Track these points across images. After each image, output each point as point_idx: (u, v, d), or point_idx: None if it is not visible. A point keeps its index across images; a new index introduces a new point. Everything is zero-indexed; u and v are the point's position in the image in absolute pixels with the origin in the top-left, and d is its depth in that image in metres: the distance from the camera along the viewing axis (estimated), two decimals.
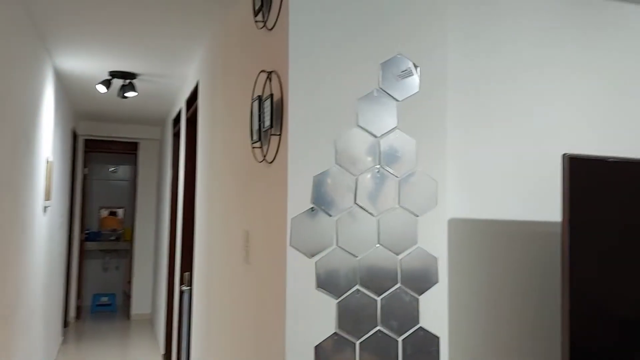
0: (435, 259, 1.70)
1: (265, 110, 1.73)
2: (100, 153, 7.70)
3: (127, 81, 3.97)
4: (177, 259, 4.25)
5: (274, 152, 1.70)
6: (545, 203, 1.86)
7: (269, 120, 1.69)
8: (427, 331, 1.69)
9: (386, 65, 1.69)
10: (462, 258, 1.84)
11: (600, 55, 2.09)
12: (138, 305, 7.00)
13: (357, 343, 1.63)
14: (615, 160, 1.81)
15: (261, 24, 1.87)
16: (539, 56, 2.00)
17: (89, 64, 3.75)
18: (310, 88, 1.62)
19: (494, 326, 1.87)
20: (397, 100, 1.69)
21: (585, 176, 1.74)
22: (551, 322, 1.87)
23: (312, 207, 1.60)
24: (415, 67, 1.71)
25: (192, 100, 4.02)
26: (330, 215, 1.62)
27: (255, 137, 1.86)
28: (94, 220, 8.02)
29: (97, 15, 2.82)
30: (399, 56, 1.70)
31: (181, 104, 4.48)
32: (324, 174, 1.62)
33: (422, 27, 1.72)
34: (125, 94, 4.01)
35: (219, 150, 2.64)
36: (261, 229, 1.85)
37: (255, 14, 1.89)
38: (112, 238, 7.99)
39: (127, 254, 8.03)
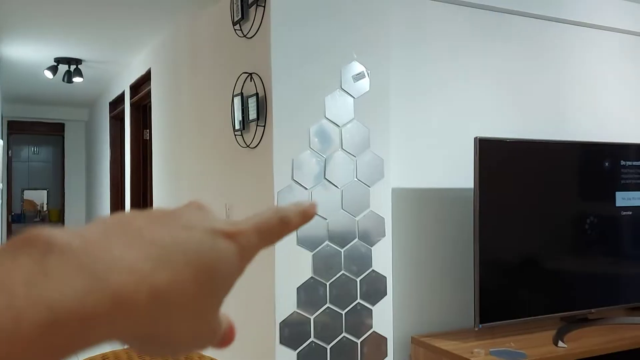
0: (383, 219, 2.23)
1: (251, 105, 2.16)
2: (25, 135, 7.58)
3: (74, 67, 4.15)
4: None
5: (258, 139, 2.14)
6: (463, 173, 2.44)
7: (255, 114, 2.12)
8: (378, 273, 2.22)
9: (345, 70, 2.17)
10: (402, 218, 2.39)
11: (498, 59, 2.70)
12: None
13: (328, 284, 2.13)
14: (511, 140, 2.42)
15: (240, 33, 2.27)
16: (456, 63, 2.56)
17: (30, 51, 3.89)
18: (289, 87, 2.07)
19: (425, 268, 2.45)
20: (353, 97, 2.18)
21: (490, 153, 2.33)
22: (467, 263, 2.47)
23: (292, 183, 2.06)
24: (367, 71, 2.20)
25: (138, 86, 4.27)
26: (306, 188, 2.09)
27: (238, 127, 2.28)
28: (17, 202, 7.90)
29: (44, 3, 2.98)
30: (354, 63, 2.18)
31: (123, 88, 4.69)
32: (300, 156, 2.08)
33: (372, 41, 2.21)
34: (72, 79, 4.19)
35: (188, 134, 3.00)
36: (245, 201, 2.28)
37: (234, 24, 2.29)
38: (37, 219, 7.93)
39: None
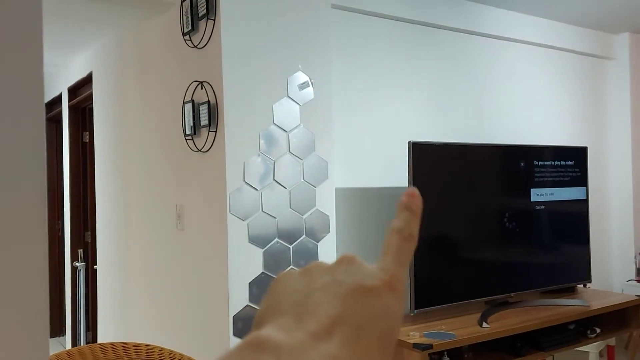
0: (328, 217, 2.42)
1: (202, 112, 2.29)
2: None
3: None
4: (67, 238, 4.49)
5: (210, 143, 2.28)
6: (398, 173, 2.68)
7: (207, 120, 2.25)
8: None
9: (291, 79, 2.34)
10: (345, 215, 2.59)
11: (427, 70, 2.96)
12: None
13: None
14: (440, 144, 2.68)
15: (191, 44, 2.39)
16: (391, 72, 2.80)
17: None
18: (239, 95, 2.22)
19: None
20: (299, 104, 2.36)
21: (422, 155, 2.57)
22: None
23: (243, 184, 2.22)
24: (311, 80, 2.39)
25: (78, 88, 4.26)
26: (256, 189, 2.25)
27: (188, 132, 2.40)
28: None
29: None
30: (299, 73, 2.36)
31: (59, 90, 4.64)
32: (251, 160, 2.24)
33: (315, 52, 2.39)
34: None
35: (135, 138, 3.08)
36: (197, 202, 2.41)
37: (184, 35, 2.41)
38: None
39: None
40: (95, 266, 3.87)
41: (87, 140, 4.34)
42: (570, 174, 3.15)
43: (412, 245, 0.33)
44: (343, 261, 0.33)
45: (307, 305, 0.30)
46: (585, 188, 3.19)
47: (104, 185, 3.63)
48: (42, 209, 0.60)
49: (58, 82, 4.71)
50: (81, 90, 4.20)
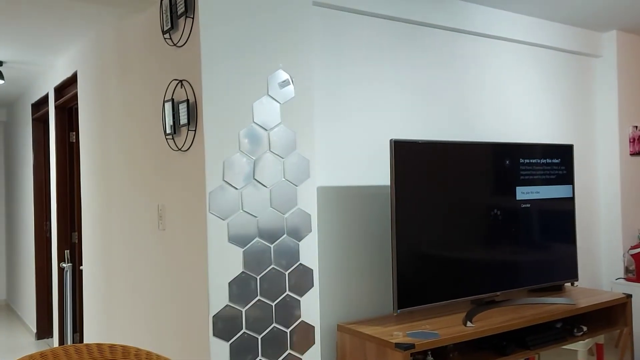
0: (309, 216, 2.40)
1: (181, 110, 2.26)
2: None
3: None
4: (54, 239, 4.46)
5: (190, 142, 2.25)
6: (381, 171, 2.66)
7: (186, 119, 2.23)
8: (305, 266, 2.39)
9: (271, 77, 2.32)
10: (327, 214, 2.57)
11: (410, 67, 2.94)
12: None
13: (258, 277, 2.27)
14: (423, 142, 2.66)
15: (170, 42, 2.37)
16: (373, 70, 2.78)
17: None
18: (219, 94, 2.19)
19: (349, 260, 2.65)
20: (280, 103, 2.34)
21: (405, 153, 2.55)
22: (386, 255, 2.70)
23: (223, 183, 2.19)
24: (292, 78, 2.36)
25: (64, 88, 4.22)
26: (236, 189, 2.23)
27: (169, 131, 2.37)
28: None
29: None
30: (280, 71, 2.34)
31: (46, 90, 4.61)
32: (231, 159, 2.21)
33: (296, 49, 2.37)
34: None
35: (118, 138, 3.05)
36: (178, 202, 2.38)
37: (164, 33, 2.39)
38: None
39: None
40: (81, 267, 3.84)
41: (74, 141, 4.31)
42: (557, 172, 3.13)
43: None
44: None
45: None
46: (571, 186, 3.18)
47: (88, 186, 3.60)
48: None
49: (45, 82, 4.67)
50: (67, 89, 4.17)
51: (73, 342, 4.10)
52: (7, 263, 6.79)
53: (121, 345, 1.83)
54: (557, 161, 3.12)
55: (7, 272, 6.82)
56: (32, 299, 5.23)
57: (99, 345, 1.81)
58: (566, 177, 3.16)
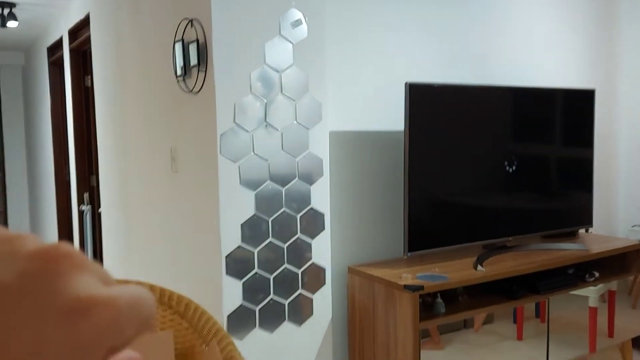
0: (321, 160, 2.39)
1: (191, 51, 2.23)
2: None
3: (7, 10, 4.02)
4: (73, 182, 4.54)
5: (200, 84, 2.23)
6: (394, 116, 2.62)
7: (196, 60, 2.20)
8: (316, 210, 2.40)
9: (283, 17, 2.26)
10: (339, 158, 2.56)
11: (426, 7, 2.84)
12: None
13: (270, 220, 2.30)
14: (439, 85, 2.60)
15: None
16: (387, 10, 2.69)
17: None
18: (229, 33, 2.15)
19: (360, 204, 2.65)
20: (292, 43, 2.29)
21: (420, 97, 2.50)
22: (398, 199, 2.69)
23: (234, 126, 2.18)
24: (305, 18, 2.30)
25: (77, 31, 4.19)
26: (247, 131, 2.22)
27: (179, 73, 2.35)
28: None
29: None
30: (292, 10, 2.28)
31: (60, 33, 4.57)
32: (242, 101, 2.19)
33: None
34: (6, 24, 4.06)
35: (131, 81, 3.04)
36: (190, 144, 2.39)
37: None
38: None
39: None
40: (99, 209, 3.92)
41: (90, 85, 4.31)
42: (577, 118, 3.06)
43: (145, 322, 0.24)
44: (15, 244, 0.23)
45: None
46: (591, 133, 3.11)
47: (104, 130, 3.63)
48: None
49: (59, 25, 4.64)
50: (81, 32, 4.13)
51: None
52: (30, 205, 6.96)
53: (136, 281, 1.88)
54: (577, 106, 3.04)
55: (30, 214, 7.01)
56: (54, 240, 5.39)
57: (117, 281, 1.87)
58: (586, 123, 3.09)
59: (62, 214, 5.20)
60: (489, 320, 2.57)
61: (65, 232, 5.18)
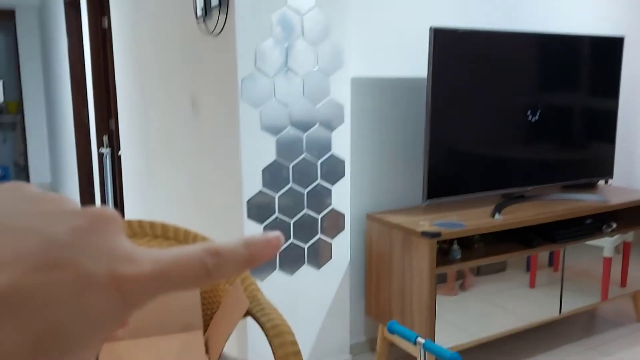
0: (342, 106, 2.38)
1: None
2: None
3: None
4: (92, 125, 4.57)
5: (221, 26, 2.20)
6: (418, 62, 2.58)
7: (217, 0, 2.16)
8: (336, 157, 2.41)
9: None
10: (360, 105, 2.54)
11: None
12: (36, 176, 7.16)
13: (290, 166, 2.31)
14: (465, 30, 2.54)
15: None
16: None
17: None
18: None
19: (381, 152, 2.65)
20: None
21: (445, 43, 2.45)
22: (418, 148, 2.68)
23: (254, 71, 2.17)
24: None
25: None
26: (268, 77, 2.20)
27: (200, 13, 2.31)
28: None
29: None
30: None
31: None
32: (262, 45, 2.17)
33: None
34: None
35: (150, 22, 3.00)
36: (211, 89, 2.38)
37: None
38: None
39: (13, 127, 7.90)
40: (119, 152, 3.96)
41: (107, 26, 4.27)
42: (603, 67, 2.98)
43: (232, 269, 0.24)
44: (60, 202, 0.23)
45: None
46: (617, 82, 3.04)
47: (123, 72, 3.62)
48: None
49: None
50: None
51: None
52: (50, 148, 7.05)
53: (161, 222, 1.92)
54: (605, 54, 2.96)
55: (50, 157, 7.11)
56: (75, 183, 5.48)
57: (139, 221, 1.91)
58: (614, 71, 3.01)
59: (82, 156, 5.27)
60: (501, 268, 2.60)
61: (85, 174, 5.27)
